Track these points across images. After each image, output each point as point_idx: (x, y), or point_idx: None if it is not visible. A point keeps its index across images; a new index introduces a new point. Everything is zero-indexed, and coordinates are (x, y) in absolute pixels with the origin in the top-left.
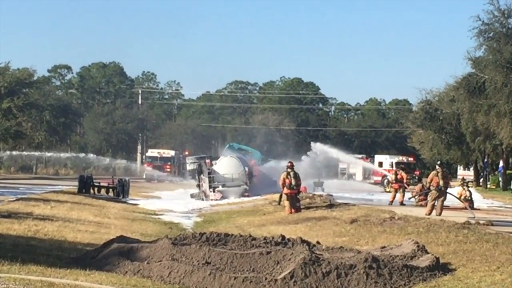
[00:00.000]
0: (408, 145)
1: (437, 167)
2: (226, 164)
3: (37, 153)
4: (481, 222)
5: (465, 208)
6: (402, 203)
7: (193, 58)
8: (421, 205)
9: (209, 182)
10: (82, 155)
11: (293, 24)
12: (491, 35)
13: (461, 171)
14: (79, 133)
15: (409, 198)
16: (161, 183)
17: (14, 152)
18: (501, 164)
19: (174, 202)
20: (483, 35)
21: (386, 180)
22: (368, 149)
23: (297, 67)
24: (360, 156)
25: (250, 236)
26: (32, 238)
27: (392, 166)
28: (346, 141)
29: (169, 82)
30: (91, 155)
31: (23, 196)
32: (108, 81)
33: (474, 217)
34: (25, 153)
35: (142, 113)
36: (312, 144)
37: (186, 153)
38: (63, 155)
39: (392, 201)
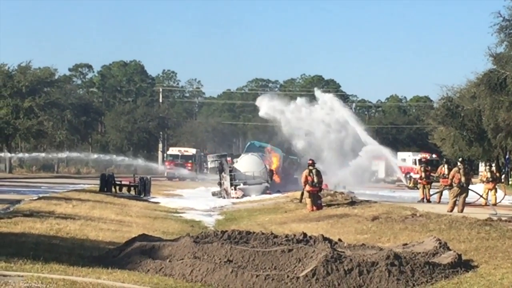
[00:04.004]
0: (429, 142)
1: (458, 163)
2: (247, 162)
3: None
4: (503, 218)
5: (487, 205)
6: (428, 200)
7: (214, 56)
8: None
9: (230, 180)
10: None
11: (313, 21)
12: None
13: (482, 168)
14: (100, 132)
15: (432, 195)
16: (182, 181)
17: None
18: None
19: (195, 200)
20: (504, 31)
21: (409, 176)
22: (389, 146)
23: (318, 64)
24: None
25: (272, 233)
26: (54, 237)
27: (415, 163)
28: None
29: (190, 80)
30: (118, 157)
31: (45, 195)
32: (129, 79)
33: (496, 214)
34: (68, 154)
35: (163, 112)
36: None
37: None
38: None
39: (423, 198)
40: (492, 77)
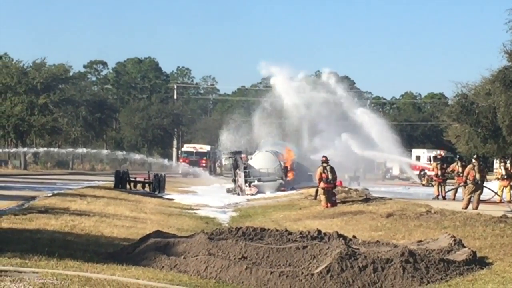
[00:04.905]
0: (444, 139)
1: (473, 160)
2: (261, 159)
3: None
4: None
5: (501, 202)
6: (444, 197)
7: (228, 53)
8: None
9: (245, 176)
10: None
11: (327, 18)
12: None
13: (497, 165)
14: (115, 129)
15: (447, 192)
16: (197, 178)
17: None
18: None
19: (210, 197)
20: None
21: (423, 174)
22: (404, 143)
23: (333, 61)
24: None
25: (286, 230)
26: (69, 233)
27: (430, 160)
28: None
29: (204, 77)
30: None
31: (60, 192)
32: (143, 76)
33: (511, 211)
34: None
35: (178, 108)
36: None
37: None
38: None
39: (438, 195)
40: (507, 74)
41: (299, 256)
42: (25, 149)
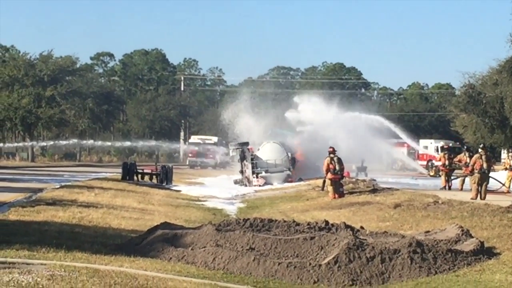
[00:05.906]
0: (451, 129)
1: (480, 150)
2: (269, 150)
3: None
4: None
5: (509, 192)
6: (449, 187)
7: (235, 44)
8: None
9: (252, 168)
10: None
11: (334, 9)
12: None
13: (505, 155)
14: (122, 120)
15: (452, 179)
16: (204, 169)
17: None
18: None
19: (217, 188)
20: None
21: (430, 164)
22: (411, 134)
23: (339, 52)
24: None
25: (294, 221)
26: (76, 225)
27: (437, 151)
28: None
29: (211, 69)
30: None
31: (67, 184)
32: (150, 68)
33: None
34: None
35: (185, 100)
36: None
37: None
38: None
39: (445, 186)
40: None
41: (307, 247)
42: (43, 143)
